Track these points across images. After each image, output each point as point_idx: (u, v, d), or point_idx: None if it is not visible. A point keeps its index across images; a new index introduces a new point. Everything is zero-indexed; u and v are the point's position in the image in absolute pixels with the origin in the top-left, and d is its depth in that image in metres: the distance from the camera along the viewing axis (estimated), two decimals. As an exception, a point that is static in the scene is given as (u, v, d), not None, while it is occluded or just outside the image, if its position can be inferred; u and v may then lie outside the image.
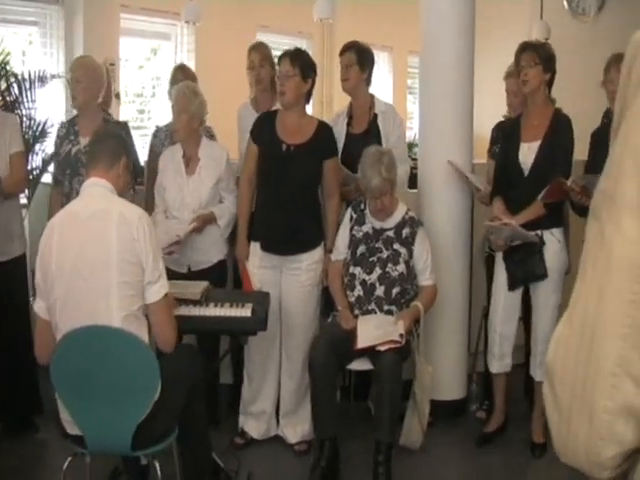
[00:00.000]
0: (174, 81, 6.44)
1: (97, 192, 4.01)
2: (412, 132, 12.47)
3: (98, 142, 4.25)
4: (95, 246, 3.81)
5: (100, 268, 3.79)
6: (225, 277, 5.72)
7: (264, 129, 5.48)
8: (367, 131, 5.88)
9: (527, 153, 5.43)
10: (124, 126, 6.88)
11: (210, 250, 5.62)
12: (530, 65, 5.36)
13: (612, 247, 1.20)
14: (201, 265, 5.59)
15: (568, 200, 5.28)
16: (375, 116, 5.90)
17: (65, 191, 5.74)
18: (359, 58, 5.88)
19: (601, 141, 5.48)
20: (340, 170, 5.59)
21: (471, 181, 5.78)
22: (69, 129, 5.88)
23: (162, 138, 6.26)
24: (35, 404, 5.68)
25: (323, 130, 5.50)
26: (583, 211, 5.11)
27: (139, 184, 6.19)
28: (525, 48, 5.43)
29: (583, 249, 1.28)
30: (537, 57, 5.36)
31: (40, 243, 3.96)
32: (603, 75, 5.41)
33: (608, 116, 5.88)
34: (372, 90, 6.06)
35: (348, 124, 5.95)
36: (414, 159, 6.77)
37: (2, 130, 5.51)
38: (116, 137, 4.35)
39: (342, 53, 5.99)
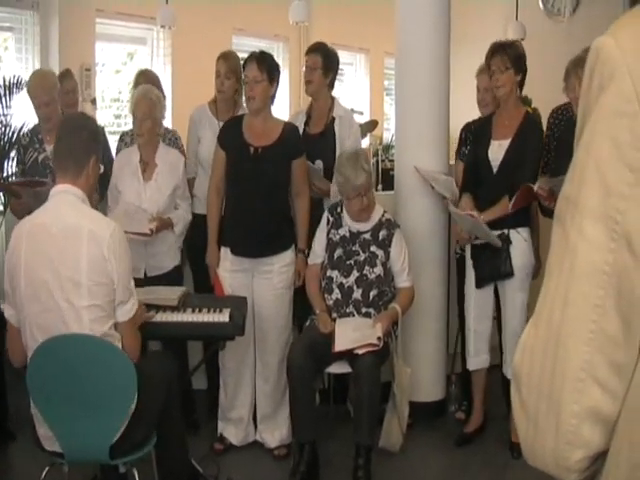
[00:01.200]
0: (137, 85, 6.41)
1: (67, 201, 3.89)
2: (389, 133, 12.51)
3: (65, 141, 4.00)
4: (65, 266, 3.74)
5: (70, 290, 3.73)
6: (181, 283, 5.67)
7: (231, 134, 5.48)
8: (323, 133, 5.91)
9: (497, 150, 5.47)
10: (101, 130, 6.87)
11: (166, 256, 5.62)
12: (501, 70, 5.38)
13: (576, 253, 1.21)
14: (157, 271, 5.58)
15: (537, 203, 5.31)
16: (333, 119, 5.93)
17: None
18: (324, 62, 5.90)
19: (560, 143, 5.55)
20: (307, 169, 5.60)
21: (437, 190, 5.77)
22: (32, 137, 5.88)
23: (128, 142, 6.21)
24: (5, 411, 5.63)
25: (289, 131, 5.52)
26: (551, 214, 5.14)
27: None
28: (495, 52, 5.43)
29: (549, 254, 1.29)
30: (508, 61, 5.37)
31: (8, 248, 3.90)
32: (564, 82, 5.43)
33: (554, 116, 5.92)
34: (348, 91, 6.09)
35: (305, 124, 5.98)
36: (391, 160, 6.78)
37: None
38: (85, 131, 4.03)
39: (308, 53, 6.01)
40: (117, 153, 6.29)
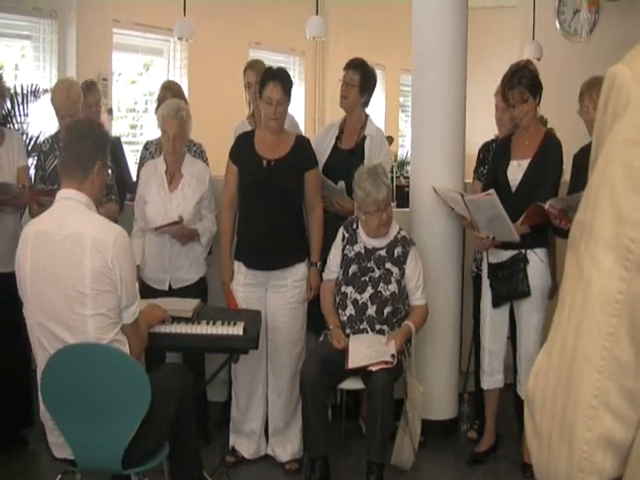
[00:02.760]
0: (163, 100, 6.37)
1: (71, 207, 3.88)
2: (404, 150, 12.52)
3: (71, 147, 4.00)
4: (69, 276, 3.73)
5: (74, 300, 3.73)
6: (206, 294, 5.69)
7: (242, 149, 5.49)
8: (353, 150, 5.92)
9: (516, 170, 5.46)
10: (116, 141, 6.89)
11: (191, 268, 5.62)
12: (521, 102, 5.37)
13: (589, 280, 1.22)
14: (182, 283, 5.58)
15: (549, 222, 5.29)
16: (364, 138, 5.95)
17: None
18: (362, 81, 5.95)
19: (582, 163, 5.53)
20: (321, 182, 5.60)
21: (456, 211, 5.75)
22: (52, 144, 5.88)
23: (153, 151, 6.24)
24: (27, 417, 5.64)
25: (301, 142, 5.54)
26: (563, 233, 5.15)
27: (130, 200, 6.16)
28: (511, 85, 5.38)
29: (562, 281, 1.30)
30: (525, 91, 5.35)
31: (17, 253, 3.90)
32: (578, 103, 5.43)
33: None
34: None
35: (337, 138, 5.99)
36: (406, 177, 6.77)
37: (11, 145, 5.61)
38: (91, 138, 4.02)
39: (347, 68, 6.01)
40: (141, 161, 6.31)
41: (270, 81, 5.38)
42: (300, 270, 5.48)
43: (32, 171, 6.06)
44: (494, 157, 5.75)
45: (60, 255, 3.75)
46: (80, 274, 3.72)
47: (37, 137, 6.85)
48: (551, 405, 1.25)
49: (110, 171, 5.41)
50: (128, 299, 3.86)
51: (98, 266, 3.72)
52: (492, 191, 5.23)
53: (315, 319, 5.59)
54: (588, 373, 1.21)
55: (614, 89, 1.21)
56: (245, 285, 5.46)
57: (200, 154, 6.12)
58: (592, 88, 5.23)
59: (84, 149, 3.94)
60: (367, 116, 6.07)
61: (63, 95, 5.85)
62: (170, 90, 6.66)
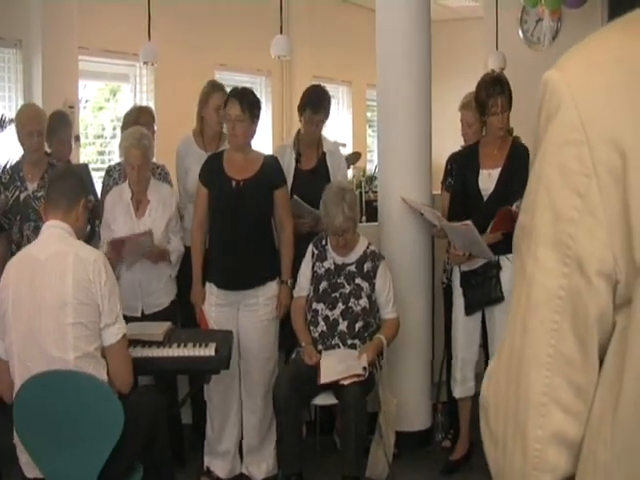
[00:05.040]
0: (136, 123, 6.34)
1: (55, 234, 4.06)
2: (372, 165, 12.56)
3: (57, 184, 4.28)
4: (51, 287, 3.86)
5: (55, 308, 3.83)
6: (177, 317, 5.72)
7: (212, 170, 5.50)
8: (315, 169, 5.99)
9: (487, 180, 5.51)
10: (84, 168, 6.87)
11: (162, 293, 5.64)
12: (504, 111, 5.44)
13: (532, 280, 1.25)
14: (154, 308, 5.60)
15: None
16: (324, 154, 6.02)
17: (15, 238, 5.73)
18: (326, 115, 6.03)
19: None
20: (288, 200, 5.64)
21: (426, 217, 5.80)
22: (13, 175, 5.86)
23: (116, 177, 6.14)
24: None
25: (270, 162, 5.57)
26: None
27: (99, 226, 6.15)
28: (495, 92, 5.44)
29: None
30: (506, 101, 5.45)
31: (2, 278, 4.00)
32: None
33: None
34: (331, 124, 6.16)
35: (296, 160, 6.03)
36: (374, 192, 6.82)
37: None
38: (74, 177, 4.40)
39: (312, 111, 5.93)
40: (104, 187, 6.29)
41: (229, 98, 5.44)
42: (271, 288, 5.49)
43: None
44: (461, 166, 5.77)
45: (43, 270, 3.90)
46: (62, 284, 3.86)
47: (4, 167, 6.84)
48: (504, 407, 1.27)
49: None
50: (110, 317, 3.95)
51: (79, 277, 3.86)
52: (469, 222, 5.26)
53: (286, 338, 5.62)
54: (536, 371, 1.23)
55: (547, 94, 1.25)
56: (217, 305, 5.47)
57: (165, 176, 6.09)
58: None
59: (69, 186, 4.23)
60: (320, 133, 6.14)
61: (30, 113, 5.90)
62: (142, 113, 6.63)
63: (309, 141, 6.07)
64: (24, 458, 3.96)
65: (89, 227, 5.75)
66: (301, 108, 6.00)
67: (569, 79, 1.24)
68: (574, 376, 1.23)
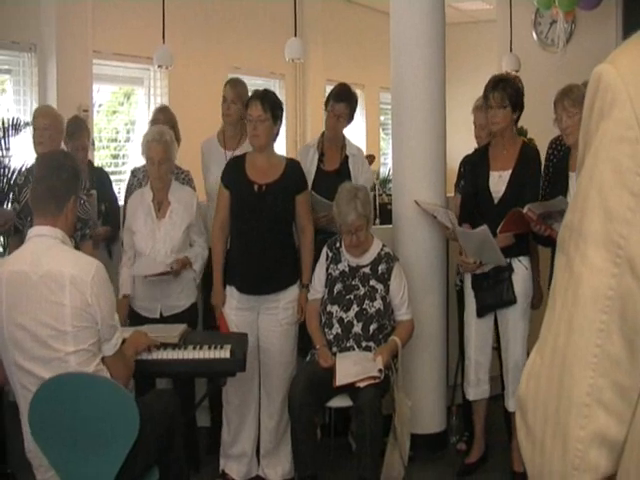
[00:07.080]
0: (155, 122, 6.40)
1: (46, 245, 3.84)
2: (386, 168, 12.55)
3: (45, 182, 3.93)
4: (48, 316, 3.72)
5: (55, 338, 3.73)
6: (197, 320, 5.72)
7: (234, 173, 5.50)
8: (338, 170, 5.98)
9: (498, 181, 5.49)
10: (103, 172, 6.90)
11: (182, 294, 5.62)
12: (499, 106, 5.41)
13: (580, 279, 1.22)
14: (173, 310, 5.58)
15: (529, 231, 5.31)
16: (347, 157, 6.02)
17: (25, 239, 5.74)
18: (350, 110, 6.07)
19: (555, 170, 5.59)
20: (310, 204, 5.64)
21: (439, 220, 5.79)
22: (27, 177, 5.85)
23: (140, 178, 6.21)
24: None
25: (292, 167, 5.56)
26: (543, 241, 5.19)
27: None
28: (495, 87, 5.44)
29: (552, 282, 1.31)
30: (506, 98, 5.39)
31: None
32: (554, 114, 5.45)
33: (553, 146, 6.00)
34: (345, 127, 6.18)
35: (319, 160, 6.03)
36: (388, 195, 6.81)
37: None
38: (64, 171, 3.97)
39: (336, 100, 6.02)
40: (128, 188, 6.32)
41: (250, 100, 5.46)
42: (292, 292, 5.49)
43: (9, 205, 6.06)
44: (471, 168, 5.77)
45: (38, 295, 3.73)
46: (60, 313, 3.71)
47: (19, 170, 6.87)
48: (544, 406, 1.25)
49: (85, 204, 5.44)
50: (108, 333, 3.87)
51: (78, 305, 3.72)
52: (485, 227, 5.24)
53: (301, 341, 5.62)
54: (580, 371, 1.21)
55: (600, 88, 1.22)
56: (237, 309, 5.46)
57: (188, 182, 6.11)
58: (564, 96, 5.22)
59: (58, 184, 3.91)
60: (344, 136, 6.14)
61: (44, 111, 5.93)
62: (164, 113, 6.67)
63: (333, 140, 6.09)
64: (40, 475, 3.94)
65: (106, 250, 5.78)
66: (326, 103, 6.08)
67: (624, 73, 1.21)
68: (619, 377, 1.21)
